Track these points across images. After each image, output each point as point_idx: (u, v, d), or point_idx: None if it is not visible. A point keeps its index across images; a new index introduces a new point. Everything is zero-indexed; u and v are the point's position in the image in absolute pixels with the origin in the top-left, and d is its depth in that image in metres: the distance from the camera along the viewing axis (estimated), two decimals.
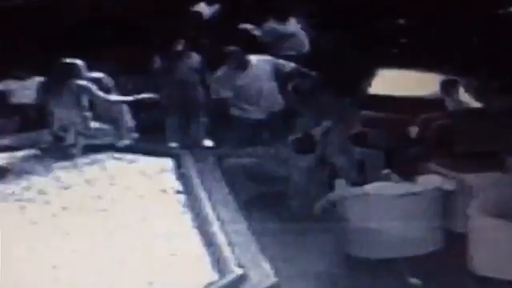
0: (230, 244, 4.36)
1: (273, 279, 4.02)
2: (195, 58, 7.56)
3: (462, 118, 6.32)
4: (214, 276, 4.08)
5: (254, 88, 6.81)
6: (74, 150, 6.27)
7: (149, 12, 9.32)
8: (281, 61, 7.02)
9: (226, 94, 6.86)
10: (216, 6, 9.13)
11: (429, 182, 5.22)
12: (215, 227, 4.63)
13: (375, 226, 5.02)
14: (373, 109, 6.96)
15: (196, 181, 5.57)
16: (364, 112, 6.89)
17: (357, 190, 5.24)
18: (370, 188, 5.17)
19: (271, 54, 7.25)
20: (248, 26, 8.46)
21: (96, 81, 6.46)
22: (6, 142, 6.65)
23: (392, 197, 5.07)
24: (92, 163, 6.10)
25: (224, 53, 6.96)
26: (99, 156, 6.24)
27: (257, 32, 8.38)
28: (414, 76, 7.58)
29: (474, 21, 8.80)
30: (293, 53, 7.98)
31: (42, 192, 5.45)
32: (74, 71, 6.33)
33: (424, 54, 8.18)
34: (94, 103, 6.45)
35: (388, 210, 5.06)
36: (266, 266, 4.13)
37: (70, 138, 6.31)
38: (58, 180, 5.71)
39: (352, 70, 7.87)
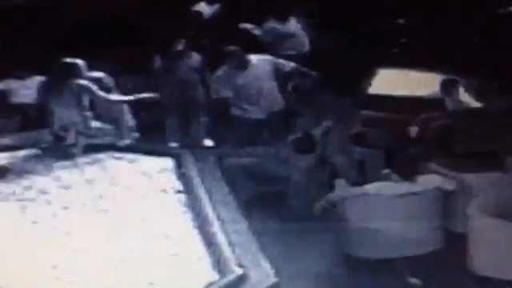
0: (231, 244, 4.36)
1: (273, 279, 4.02)
2: (195, 58, 7.57)
3: (462, 118, 6.33)
4: (215, 276, 4.08)
5: (254, 88, 6.82)
6: (75, 150, 6.28)
7: (149, 12, 9.32)
8: (281, 60, 7.03)
9: (227, 93, 6.87)
10: (216, 6, 9.13)
11: (429, 181, 5.23)
12: (215, 227, 4.63)
13: (375, 225, 5.03)
14: (373, 109, 6.97)
15: (196, 180, 5.57)
16: (364, 112, 6.90)
17: (357, 190, 5.25)
18: (370, 188, 5.18)
19: (271, 54, 7.26)
20: (248, 26, 8.46)
21: (96, 80, 6.46)
22: (6, 141, 6.66)
23: (392, 197, 5.07)
24: (92, 163, 6.10)
25: (224, 52, 6.96)
26: (100, 156, 6.25)
27: (257, 32, 8.39)
28: (414, 76, 7.58)
29: (474, 21, 8.81)
30: (293, 52, 7.99)
31: (42, 192, 5.46)
32: (74, 71, 6.34)
33: (424, 53, 8.18)
34: (94, 103, 6.45)
35: (388, 209, 5.07)
36: (267, 265, 4.14)
37: (71, 138, 6.32)
38: (58, 180, 5.72)
39: (352, 69, 7.88)
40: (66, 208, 5.14)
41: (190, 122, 7.57)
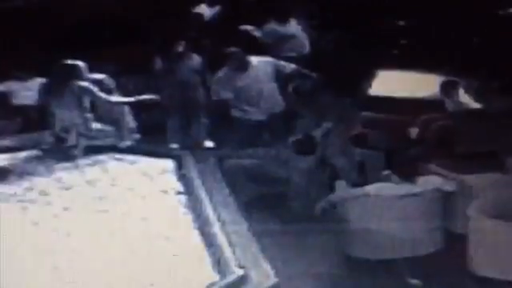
0: (231, 245, 4.37)
1: (273, 280, 4.03)
2: (196, 60, 7.58)
3: (462, 119, 6.34)
4: (215, 277, 4.09)
5: (254, 89, 6.83)
6: (76, 151, 6.29)
7: (149, 12, 9.34)
8: (281, 62, 7.04)
9: (227, 95, 6.87)
10: (217, 8, 9.15)
11: (429, 182, 5.23)
12: (216, 228, 4.64)
13: (375, 226, 5.03)
14: (373, 110, 6.98)
15: (197, 182, 5.58)
16: (364, 113, 6.91)
17: (357, 191, 5.25)
18: (370, 189, 5.19)
19: (272, 56, 7.27)
20: (249, 28, 8.47)
21: (97, 82, 6.48)
22: (7, 142, 6.67)
23: (392, 198, 5.08)
24: (93, 164, 6.12)
25: (225, 54, 6.97)
26: (100, 157, 6.26)
27: (257, 33, 8.40)
28: (414, 77, 7.59)
29: (473, 22, 8.82)
30: (293, 54, 8.00)
31: (43, 193, 5.47)
32: (75, 72, 6.35)
33: (424, 55, 8.19)
34: (95, 104, 6.47)
35: (388, 210, 5.08)
36: (267, 266, 4.14)
37: (72, 139, 6.33)
38: (59, 181, 5.73)
39: (352, 71, 7.89)
40: (66, 209, 5.15)
41: (190, 124, 7.58)
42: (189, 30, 8.31)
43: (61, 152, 6.30)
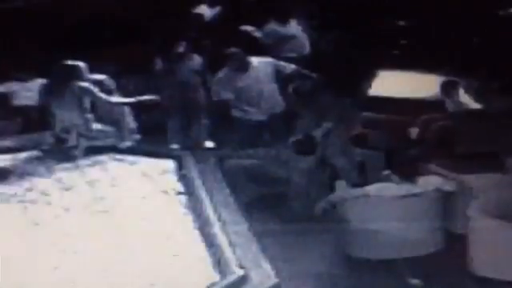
0: (231, 245, 4.38)
1: (274, 280, 4.03)
2: (196, 60, 7.59)
3: (462, 119, 6.34)
4: (216, 277, 4.10)
5: (254, 90, 6.83)
6: (76, 152, 6.30)
7: (149, 12, 9.34)
8: (281, 62, 7.04)
9: (227, 95, 6.88)
10: (217, 8, 9.16)
11: (429, 183, 5.23)
12: (216, 228, 4.65)
13: (376, 226, 5.03)
14: (373, 110, 6.98)
15: (197, 182, 5.59)
16: (364, 113, 6.91)
17: (357, 191, 5.25)
18: (370, 189, 5.19)
19: (272, 56, 7.27)
20: (249, 28, 8.48)
21: (98, 83, 6.49)
22: (8, 143, 6.68)
23: (392, 198, 5.08)
24: (94, 164, 6.12)
25: (225, 55, 6.98)
26: (101, 157, 6.27)
27: (258, 34, 8.40)
28: (415, 77, 7.60)
29: (473, 22, 8.82)
30: (293, 55, 8.00)
31: (44, 193, 5.48)
32: (75, 73, 6.36)
33: (424, 55, 8.19)
34: (95, 105, 6.48)
35: (388, 211, 5.08)
36: (267, 266, 4.15)
37: (72, 140, 6.34)
38: (59, 181, 5.74)
39: (352, 71, 7.90)
40: (67, 209, 5.16)
41: (190, 124, 7.58)
42: (189, 31, 8.32)
43: (61, 152, 6.31)
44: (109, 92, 6.52)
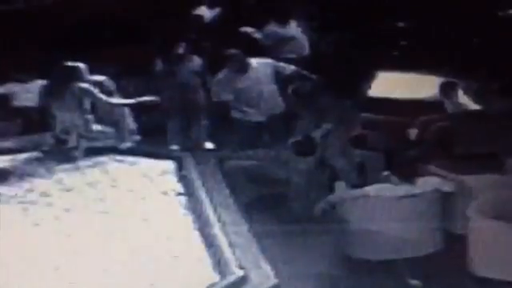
0: (231, 245, 4.39)
1: (273, 280, 4.05)
2: (196, 61, 7.59)
3: (462, 120, 6.34)
4: (215, 277, 4.11)
5: (254, 91, 6.84)
6: (76, 153, 6.31)
7: (149, 12, 9.35)
8: (281, 64, 7.04)
9: (227, 96, 6.88)
10: (217, 10, 9.16)
11: (428, 183, 5.24)
12: (216, 229, 4.66)
13: (375, 227, 5.04)
14: (373, 111, 6.98)
15: (197, 183, 5.60)
16: (364, 114, 6.91)
17: (357, 192, 5.26)
18: (369, 190, 5.19)
19: (272, 57, 7.27)
20: (249, 30, 8.48)
21: (98, 84, 6.50)
22: (8, 144, 6.69)
23: (392, 198, 5.09)
24: (94, 165, 6.14)
25: (225, 56, 6.98)
26: (101, 158, 6.28)
27: (257, 35, 8.40)
28: (414, 78, 7.60)
29: (473, 23, 8.83)
30: (293, 56, 8.00)
31: (44, 194, 5.49)
32: (75, 74, 6.37)
33: (423, 56, 8.19)
34: (95, 106, 6.49)
35: (388, 211, 5.08)
36: (267, 267, 4.16)
37: (72, 141, 6.35)
38: (60, 182, 5.75)
39: (352, 72, 7.90)
40: (67, 210, 5.17)
41: (190, 125, 7.58)
42: (189, 32, 8.32)
43: (61, 153, 6.32)
44: (109, 93, 6.53)
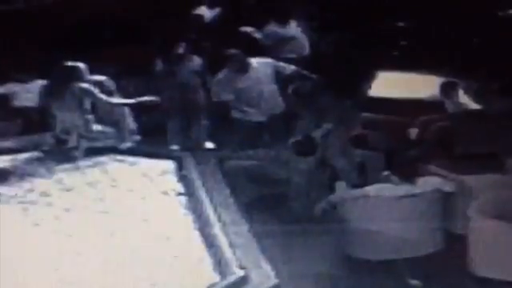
0: (232, 246, 4.39)
1: (274, 280, 4.05)
2: (196, 61, 7.59)
3: (462, 120, 6.34)
4: (216, 277, 4.11)
5: (254, 91, 6.84)
6: (76, 153, 6.31)
7: (150, 14, 9.35)
8: (281, 63, 7.04)
9: (227, 96, 6.88)
10: (217, 10, 9.16)
11: (428, 183, 5.24)
12: (216, 229, 4.66)
13: (375, 227, 5.04)
14: (373, 111, 6.98)
15: (197, 183, 5.60)
16: (364, 114, 6.91)
17: (357, 192, 5.26)
18: (370, 190, 5.19)
19: (272, 57, 7.27)
20: (249, 29, 8.48)
21: (98, 84, 6.50)
22: (8, 144, 6.69)
23: (392, 198, 5.09)
24: (94, 165, 6.14)
25: (225, 56, 6.98)
26: (101, 158, 6.29)
27: (257, 35, 8.40)
28: (414, 78, 7.60)
29: (473, 22, 8.83)
30: (293, 55, 8.00)
31: (44, 194, 5.49)
32: (75, 74, 6.37)
33: (424, 56, 8.20)
34: (96, 106, 6.49)
35: (388, 211, 5.08)
36: (267, 267, 4.16)
37: (73, 141, 6.35)
38: (60, 182, 5.75)
39: (352, 72, 7.90)
40: (67, 210, 5.17)
41: (191, 125, 7.58)
42: (189, 32, 8.32)
43: (61, 153, 6.32)
44: (109, 93, 6.53)
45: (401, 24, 9.67)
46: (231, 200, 5.28)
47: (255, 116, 6.88)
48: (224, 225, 4.73)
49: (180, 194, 5.51)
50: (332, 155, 5.97)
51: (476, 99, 6.80)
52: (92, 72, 6.56)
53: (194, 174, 5.80)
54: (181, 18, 8.86)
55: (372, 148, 6.35)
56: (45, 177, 5.89)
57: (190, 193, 5.46)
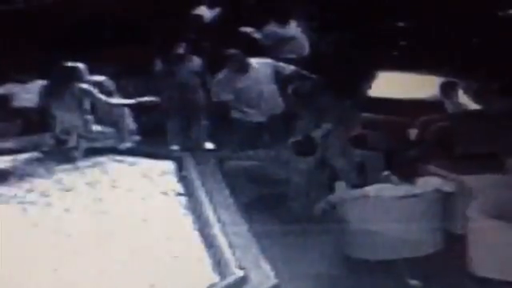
0: (231, 246, 4.39)
1: (273, 281, 4.05)
2: (196, 61, 7.59)
3: (462, 120, 6.34)
4: (215, 278, 4.11)
5: (254, 91, 6.84)
6: (76, 153, 6.32)
7: (150, 14, 9.35)
8: (281, 64, 7.04)
9: (227, 96, 6.88)
10: (217, 10, 9.16)
11: (428, 183, 5.23)
12: (216, 229, 4.66)
13: (375, 227, 5.04)
14: (373, 111, 6.98)
15: (197, 183, 5.60)
16: (364, 114, 6.91)
17: (357, 192, 5.26)
18: (369, 190, 5.19)
19: (271, 57, 7.27)
20: (248, 30, 8.48)
21: (97, 84, 6.50)
22: (8, 145, 6.69)
23: (392, 199, 5.08)
24: (93, 166, 6.14)
25: (225, 56, 6.98)
26: (101, 159, 6.29)
27: (257, 35, 8.40)
28: (414, 78, 7.60)
29: (473, 22, 8.83)
30: (293, 56, 8.00)
31: (43, 194, 5.49)
32: (75, 75, 6.38)
33: (423, 56, 8.20)
34: (95, 106, 6.49)
35: (388, 211, 5.08)
36: (267, 267, 4.16)
37: (72, 141, 6.35)
38: (59, 182, 5.75)
39: (352, 72, 7.90)
40: (67, 210, 5.18)
41: (190, 125, 7.58)
42: (189, 32, 8.32)
43: (61, 154, 6.32)
44: (108, 93, 6.54)
45: (401, 24, 9.67)
46: (231, 200, 5.28)
47: (255, 116, 6.88)
48: (223, 225, 4.73)
49: (180, 194, 5.51)
50: (332, 155, 5.97)
51: (476, 99, 6.80)
52: (92, 72, 6.56)
53: (193, 175, 5.80)
54: (181, 18, 8.86)
55: (372, 148, 6.35)
56: (44, 177, 5.89)
57: (189, 193, 5.47)
